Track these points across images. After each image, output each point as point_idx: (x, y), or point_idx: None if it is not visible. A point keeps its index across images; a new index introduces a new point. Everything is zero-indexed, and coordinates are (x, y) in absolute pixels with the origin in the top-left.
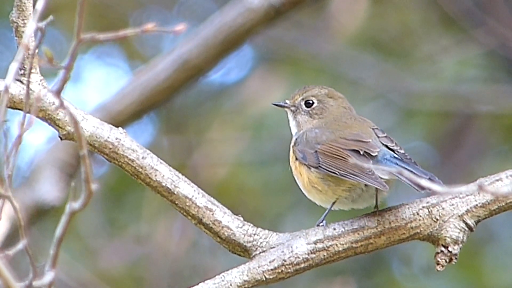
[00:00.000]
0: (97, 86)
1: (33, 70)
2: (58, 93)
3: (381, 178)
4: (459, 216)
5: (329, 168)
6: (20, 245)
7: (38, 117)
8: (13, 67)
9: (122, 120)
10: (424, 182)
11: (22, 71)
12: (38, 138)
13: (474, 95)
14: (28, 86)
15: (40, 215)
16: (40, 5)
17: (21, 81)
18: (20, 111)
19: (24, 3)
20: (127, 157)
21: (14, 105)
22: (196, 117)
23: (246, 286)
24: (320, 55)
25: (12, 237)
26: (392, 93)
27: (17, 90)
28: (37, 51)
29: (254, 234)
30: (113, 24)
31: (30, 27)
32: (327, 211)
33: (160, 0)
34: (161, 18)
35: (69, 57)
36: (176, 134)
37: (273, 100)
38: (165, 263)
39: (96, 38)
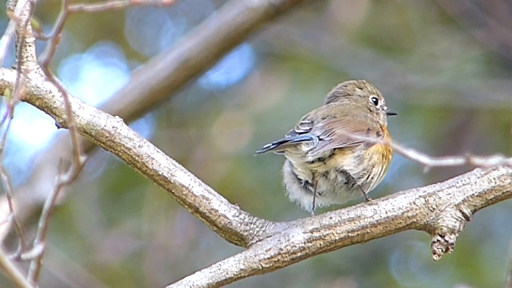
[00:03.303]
0: (96, 86)
1: (29, 58)
2: (45, 64)
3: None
4: (455, 205)
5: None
6: (9, 217)
7: (35, 105)
8: (4, 41)
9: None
10: (412, 154)
11: (18, 59)
12: (38, 137)
13: (473, 91)
14: (19, 61)
15: (41, 214)
16: None
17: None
18: (21, 101)
19: None
20: (123, 145)
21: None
22: (196, 116)
23: (242, 274)
24: (321, 52)
25: (12, 236)
26: (391, 90)
27: (14, 78)
28: (33, 40)
29: (251, 223)
30: (111, 23)
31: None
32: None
33: None
34: (159, 16)
35: (55, 28)
36: (176, 133)
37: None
38: (164, 260)
39: (84, 9)
